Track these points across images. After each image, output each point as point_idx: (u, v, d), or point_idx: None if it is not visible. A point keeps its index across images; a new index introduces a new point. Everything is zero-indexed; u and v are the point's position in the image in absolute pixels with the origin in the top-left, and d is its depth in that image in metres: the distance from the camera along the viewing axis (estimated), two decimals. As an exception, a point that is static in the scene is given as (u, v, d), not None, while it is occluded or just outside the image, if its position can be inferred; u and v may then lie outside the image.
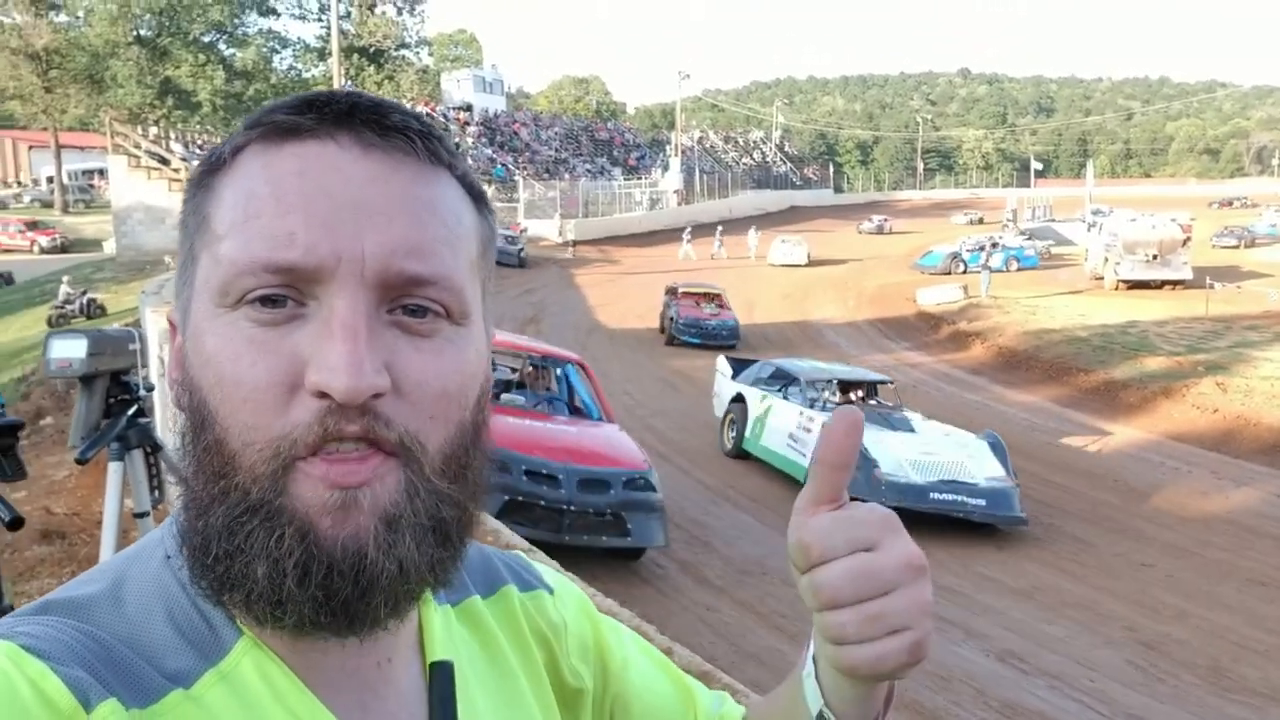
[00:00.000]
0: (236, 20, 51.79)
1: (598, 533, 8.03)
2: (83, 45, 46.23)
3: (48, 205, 51.82)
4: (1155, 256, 30.43)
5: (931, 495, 10.57)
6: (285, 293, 0.57)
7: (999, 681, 7.19)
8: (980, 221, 61.10)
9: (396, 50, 59.38)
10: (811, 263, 39.26)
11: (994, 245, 37.91)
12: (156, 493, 3.05)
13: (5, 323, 25.41)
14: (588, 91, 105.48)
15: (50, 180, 53.50)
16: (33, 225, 42.95)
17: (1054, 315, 26.31)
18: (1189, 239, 31.08)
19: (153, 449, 3.03)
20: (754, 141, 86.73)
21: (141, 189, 32.75)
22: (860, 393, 13.44)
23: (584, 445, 8.75)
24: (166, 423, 5.79)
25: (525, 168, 55.17)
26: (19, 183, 61.34)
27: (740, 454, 13.35)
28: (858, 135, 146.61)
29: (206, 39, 50.36)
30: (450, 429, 0.61)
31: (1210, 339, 22.55)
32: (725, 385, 14.57)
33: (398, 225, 0.58)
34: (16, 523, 2.45)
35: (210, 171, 0.62)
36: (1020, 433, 15.14)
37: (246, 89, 50.76)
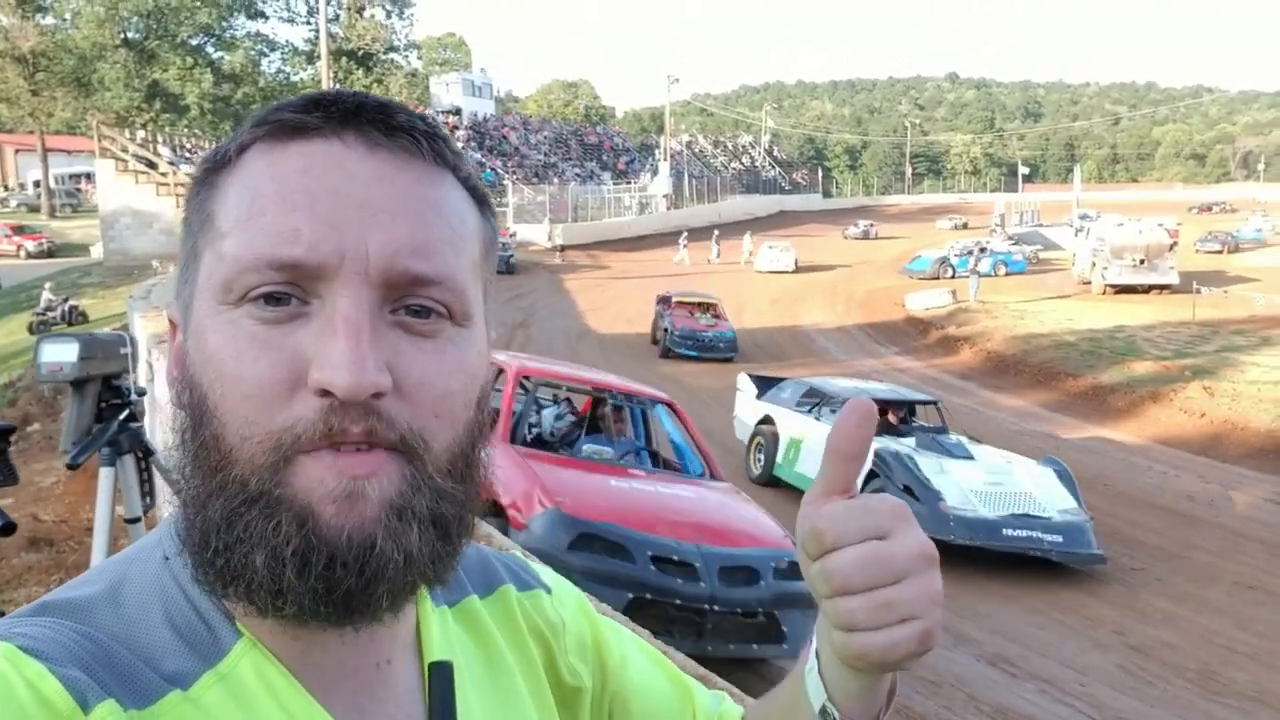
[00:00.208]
0: (224, 23, 51.57)
1: (747, 639, 6.18)
2: (69, 48, 45.96)
3: (34, 209, 51.54)
4: (1142, 261, 30.61)
5: (1004, 531, 9.66)
6: (289, 290, 0.57)
7: (990, 686, 7.20)
8: (964, 226, 61.10)
9: (385, 54, 59.41)
10: (799, 269, 39.10)
11: (982, 250, 38.05)
12: (148, 498, 3.03)
13: (-9, 329, 25.25)
14: (577, 95, 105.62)
15: (37, 184, 53.27)
16: (19, 230, 42.63)
17: (1042, 320, 26.45)
18: (1175, 244, 31.27)
19: (144, 454, 3.01)
20: (743, 146, 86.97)
21: (129, 193, 32.62)
22: (902, 414, 12.22)
23: (713, 518, 6.80)
24: (157, 427, 5.77)
25: (514, 172, 55.18)
26: (5, 187, 61.03)
27: (770, 480, 12.24)
28: (846, 140, 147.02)
29: (194, 42, 50.12)
30: (456, 429, 0.61)
31: (1197, 343, 22.68)
32: (749, 405, 13.46)
33: (402, 225, 0.58)
34: (8, 528, 2.44)
35: (215, 169, 0.62)
36: (1009, 437, 15.18)
37: (234, 92, 50.57)
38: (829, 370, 21.05)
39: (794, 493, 11.68)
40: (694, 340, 22.29)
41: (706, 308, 23.86)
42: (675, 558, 6.06)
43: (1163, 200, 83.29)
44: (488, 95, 68.06)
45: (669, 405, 8.28)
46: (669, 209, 55.51)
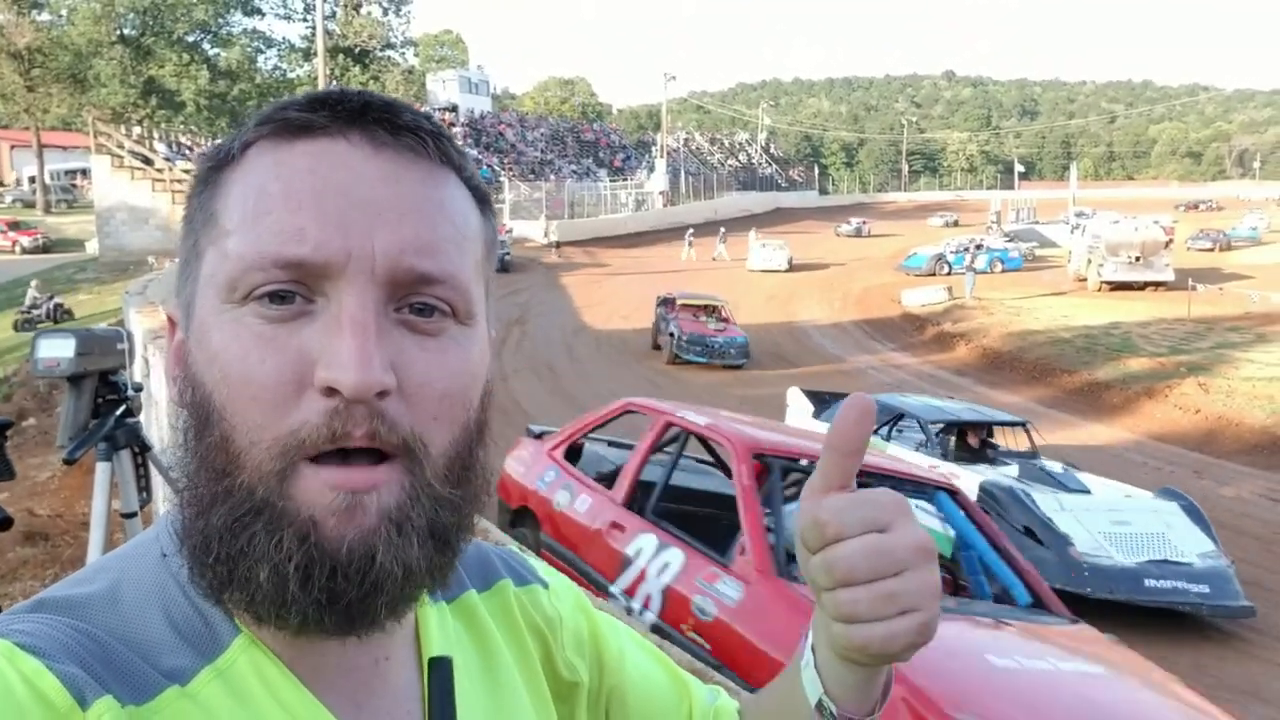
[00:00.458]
0: (221, 20, 51.37)
1: None
2: (65, 44, 45.77)
3: (30, 205, 51.33)
4: (1138, 258, 30.65)
5: (1146, 582, 8.11)
6: (294, 289, 0.57)
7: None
8: (956, 224, 60.86)
9: (382, 51, 59.20)
10: (793, 267, 38.06)
11: (978, 247, 38.05)
12: (144, 493, 3.03)
13: (-15, 324, 25.21)
14: (573, 92, 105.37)
15: (32, 180, 53.05)
16: (15, 225, 42.55)
17: (1038, 316, 26.48)
18: (1171, 241, 31.33)
19: (141, 449, 3.01)
20: (739, 143, 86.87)
21: (124, 189, 32.59)
22: (982, 435, 10.77)
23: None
24: (154, 423, 5.76)
25: (510, 169, 55.09)
26: (1, 183, 60.88)
27: None
28: (843, 137, 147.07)
29: (190, 38, 49.93)
30: (455, 430, 0.61)
31: (1192, 340, 22.75)
32: (805, 425, 11.26)
33: (408, 224, 0.58)
34: (4, 523, 2.44)
35: (218, 167, 0.62)
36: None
37: (231, 89, 50.44)
38: (829, 370, 21.07)
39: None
40: (703, 346, 20.80)
41: (711, 310, 22.26)
42: None
43: (1159, 198, 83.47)
44: (484, 92, 67.94)
45: (952, 493, 5.64)
46: (665, 206, 55.49)
